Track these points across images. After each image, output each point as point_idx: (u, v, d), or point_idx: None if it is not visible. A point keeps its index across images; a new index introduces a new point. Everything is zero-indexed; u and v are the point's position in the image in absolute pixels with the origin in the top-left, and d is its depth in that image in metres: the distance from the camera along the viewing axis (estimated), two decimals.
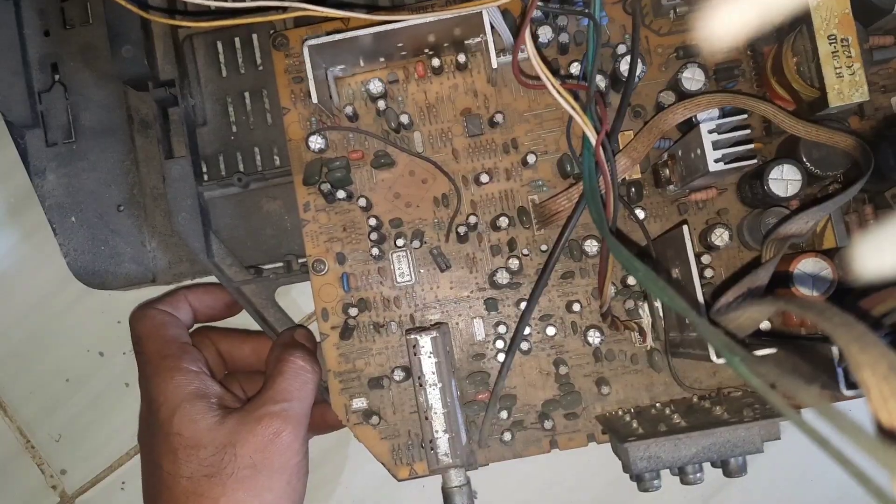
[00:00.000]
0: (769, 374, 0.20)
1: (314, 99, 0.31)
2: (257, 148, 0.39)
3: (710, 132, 0.28)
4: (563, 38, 0.35)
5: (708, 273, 0.34)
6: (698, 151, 0.29)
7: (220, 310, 0.39)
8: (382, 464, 0.35)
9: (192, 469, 0.31)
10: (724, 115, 0.32)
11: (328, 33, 0.35)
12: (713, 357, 0.27)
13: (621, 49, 0.34)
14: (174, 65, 0.38)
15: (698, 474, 0.29)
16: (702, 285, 0.29)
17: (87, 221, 0.39)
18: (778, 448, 0.29)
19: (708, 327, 0.23)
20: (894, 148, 0.31)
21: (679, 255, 0.29)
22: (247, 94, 0.39)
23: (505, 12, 0.35)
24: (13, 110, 0.38)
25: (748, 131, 0.29)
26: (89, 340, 0.43)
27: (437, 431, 0.30)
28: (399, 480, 0.35)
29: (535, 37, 0.35)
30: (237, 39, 0.39)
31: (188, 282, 0.40)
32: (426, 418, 0.30)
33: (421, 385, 0.30)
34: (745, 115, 0.29)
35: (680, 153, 0.32)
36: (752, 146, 0.29)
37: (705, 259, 0.34)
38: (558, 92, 0.30)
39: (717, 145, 0.28)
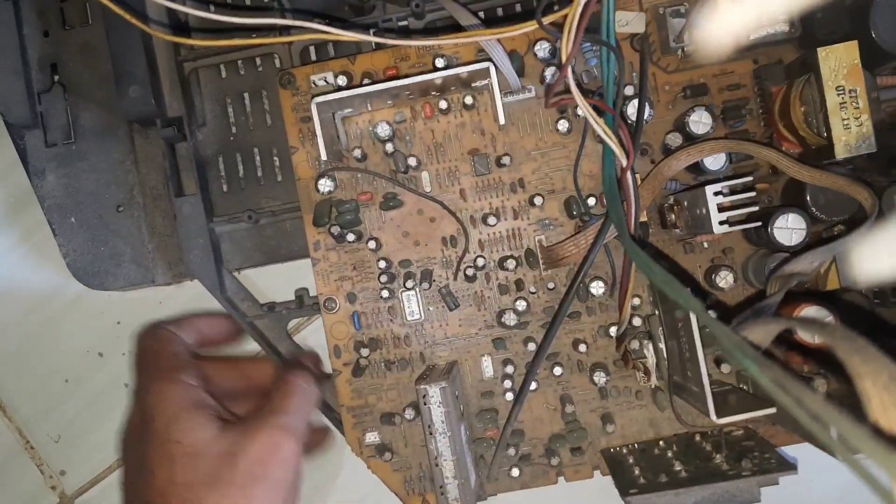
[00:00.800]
0: (777, 375, 0.21)
1: (323, 156, 0.32)
2: (256, 149, 0.39)
3: (716, 194, 0.29)
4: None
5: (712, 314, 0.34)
6: (703, 211, 0.29)
7: (225, 335, 0.40)
8: (395, 494, 0.36)
9: (190, 476, 0.31)
10: (730, 161, 0.33)
11: (335, 74, 0.36)
12: (713, 416, 0.28)
13: (628, 90, 0.34)
14: (181, 101, 0.38)
15: None
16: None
17: (86, 222, 0.39)
18: None
19: (721, 327, 0.23)
20: None
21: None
22: (246, 95, 0.39)
23: (511, 53, 0.35)
24: (13, 111, 0.38)
25: (754, 193, 0.29)
26: (89, 341, 0.43)
27: (447, 478, 0.31)
28: None
29: (542, 78, 0.35)
30: (238, 33, 0.38)
31: (188, 282, 0.41)
32: (436, 465, 0.31)
33: (431, 433, 0.31)
34: (751, 178, 0.29)
35: (686, 203, 0.32)
36: (756, 208, 0.29)
37: (710, 300, 0.34)
38: (592, 117, 0.31)
39: (721, 208, 0.29)
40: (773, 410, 0.28)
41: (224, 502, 0.30)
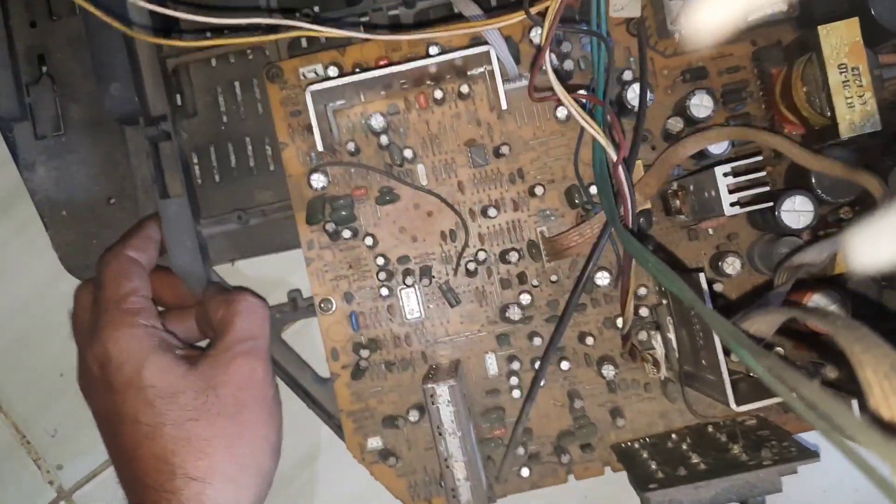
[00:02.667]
0: (775, 366, 0.20)
1: (319, 147, 0.31)
2: (248, 138, 0.37)
3: (726, 175, 0.28)
4: (568, 64, 0.34)
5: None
6: (713, 193, 0.29)
7: None
8: (401, 500, 0.35)
9: (174, 416, 0.30)
10: (732, 145, 0.32)
11: (325, 65, 0.35)
12: (732, 404, 0.27)
13: (627, 75, 0.34)
14: (165, 98, 0.36)
15: None
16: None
17: (77, 215, 0.38)
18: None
19: (717, 318, 0.23)
20: None
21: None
22: (237, 84, 0.38)
23: (507, 38, 0.34)
24: (0, 103, 0.37)
25: (764, 173, 0.28)
26: None
27: (458, 479, 0.30)
28: None
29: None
30: (225, 31, 0.37)
31: None
32: (447, 467, 0.30)
33: (440, 434, 0.30)
34: (760, 157, 0.29)
35: (692, 188, 0.31)
36: (767, 188, 0.28)
37: (717, 287, 0.34)
38: (578, 113, 0.30)
39: (732, 189, 0.28)
40: (793, 394, 0.27)
41: (218, 433, 0.31)
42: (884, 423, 0.18)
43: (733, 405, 0.27)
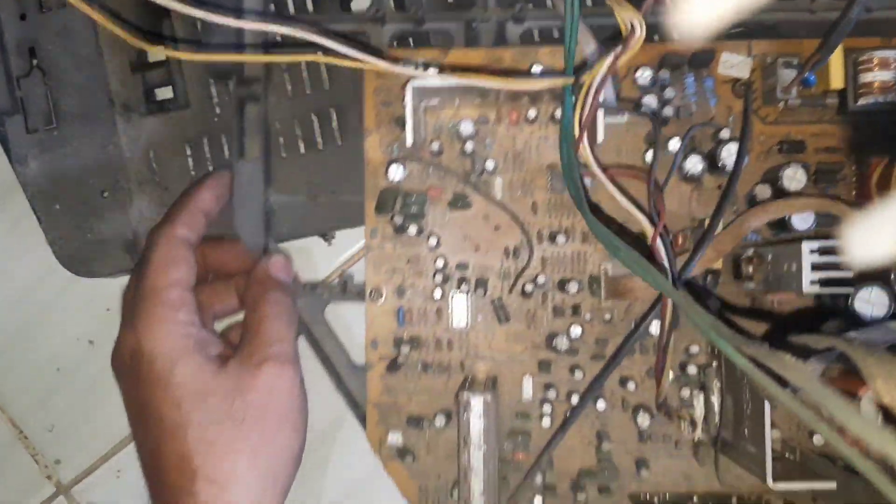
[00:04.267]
0: (757, 353, 0.21)
1: (409, 142, 0.31)
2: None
3: (812, 252, 0.27)
4: (668, 110, 0.34)
5: None
6: (794, 267, 0.28)
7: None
8: (409, 502, 0.35)
9: (200, 418, 0.31)
10: (817, 224, 0.31)
11: (426, 63, 0.35)
12: (769, 482, 0.27)
13: (724, 133, 0.33)
14: (262, 66, 0.37)
15: None
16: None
17: (71, 209, 0.38)
18: None
19: (694, 305, 0.23)
20: None
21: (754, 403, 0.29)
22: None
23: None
24: None
25: None
26: (78, 329, 0.42)
27: (474, 493, 0.30)
28: None
29: (638, 104, 0.34)
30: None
31: None
32: (465, 479, 0.30)
33: (466, 444, 0.30)
34: None
35: (769, 257, 0.31)
36: (851, 274, 0.28)
37: None
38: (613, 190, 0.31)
39: (816, 267, 0.27)
40: (832, 486, 0.27)
41: (241, 438, 0.31)
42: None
43: (770, 481, 0.27)
